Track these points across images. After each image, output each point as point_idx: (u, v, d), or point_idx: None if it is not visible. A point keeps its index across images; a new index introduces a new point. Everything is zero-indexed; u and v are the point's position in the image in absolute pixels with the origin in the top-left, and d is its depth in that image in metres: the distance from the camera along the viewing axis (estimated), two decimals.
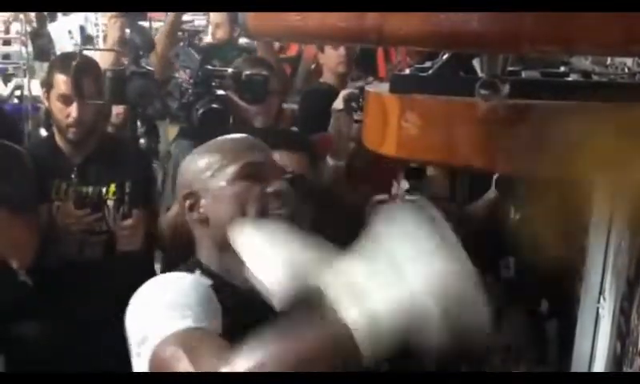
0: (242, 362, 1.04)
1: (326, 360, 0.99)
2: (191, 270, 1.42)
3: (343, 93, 2.50)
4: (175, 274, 1.40)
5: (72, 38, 8.03)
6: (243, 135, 1.57)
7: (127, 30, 2.77)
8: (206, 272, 1.42)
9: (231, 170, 1.41)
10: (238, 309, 1.35)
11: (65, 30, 8.32)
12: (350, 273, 0.97)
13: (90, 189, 2.45)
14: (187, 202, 1.45)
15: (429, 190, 2.27)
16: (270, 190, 1.40)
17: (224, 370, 1.05)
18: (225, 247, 1.40)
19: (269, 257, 1.20)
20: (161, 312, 1.27)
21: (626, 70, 1.19)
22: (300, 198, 1.67)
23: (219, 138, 1.55)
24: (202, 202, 1.43)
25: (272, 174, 1.44)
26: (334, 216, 1.90)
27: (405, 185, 2.29)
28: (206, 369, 1.11)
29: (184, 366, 1.16)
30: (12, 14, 7.38)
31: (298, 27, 0.75)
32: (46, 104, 2.54)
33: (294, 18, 0.74)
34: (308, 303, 0.99)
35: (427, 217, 0.95)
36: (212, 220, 1.42)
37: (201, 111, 2.08)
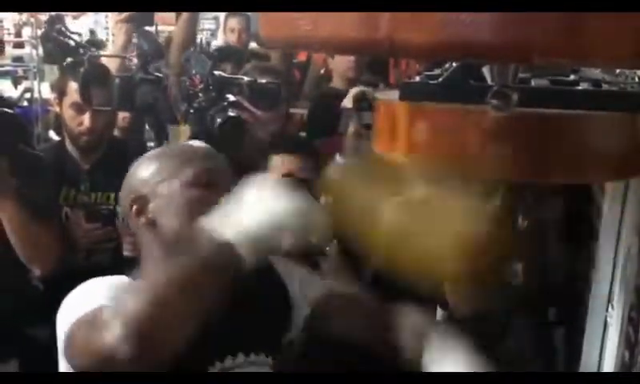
0: (142, 286, 1.17)
1: (212, 272, 1.16)
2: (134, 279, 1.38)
3: (352, 91, 2.51)
4: (108, 277, 1.38)
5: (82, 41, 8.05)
6: (198, 142, 1.56)
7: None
8: None
9: (186, 175, 1.39)
10: None
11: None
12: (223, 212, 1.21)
13: (99, 194, 2.46)
14: (134, 207, 1.41)
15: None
16: (223, 199, 1.39)
17: (128, 303, 1.12)
18: (172, 254, 1.34)
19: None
20: (80, 301, 1.26)
21: (637, 79, 1.19)
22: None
23: (172, 144, 1.55)
24: (151, 205, 1.40)
25: (226, 183, 1.39)
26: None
27: None
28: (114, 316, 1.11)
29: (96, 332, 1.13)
30: (23, 17, 7.42)
31: (309, 37, 0.75)
32: (58, 110, 2.55)
33: (305, 28, 0.74)
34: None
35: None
36: (160, 225, 1.39)
37: (219, 120, 2.08)
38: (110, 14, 9.46)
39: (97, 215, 2.40)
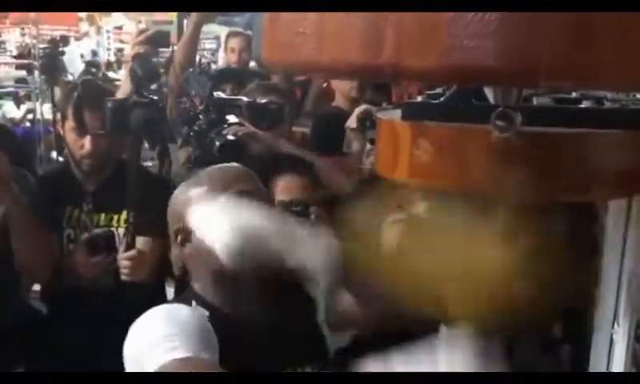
0: None
1: None
2: (187, 302, 1.42)
3: (357, 111, 2.51)
4: (171, 305, 1.39)
5: (84, 61, 8.12)
6: (232, 164, 1.57)
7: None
8: (202, 303, 1.41)
9: (223, 200, 1.38)
10: (235, 339, 1.33)
11: (77, 54, 8.42)
12: None
13: (103, 216, 2.45)
14: (179, 237, 1.44)
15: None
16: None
17: None
18: (220, 279, 1.41)
19: (218, 222, 1.28)
20: (153, 343, 1.24)
21: (639, 97, 1.18)
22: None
23: (208, 168, 1.55)
24: (194, 235, 1.41)
25: (262, 203, 1.41)
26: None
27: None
28: None
29: None
30: (26, 39, 7.48)
31: (313, 62, 0.75)
32: (62, 132, 2.55)
33: (308, 52, 0.74)
34: None
35: None
36: (206, 253, 1.37)
37: (219, 143, 2.07)
38: (112, 36, 9.57)
39: (99, 246, 2.36)
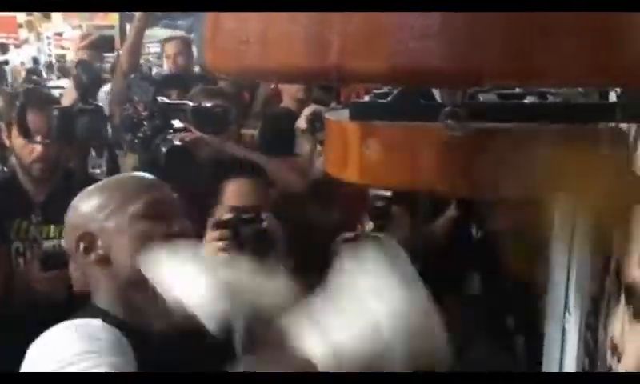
0: None
1: None
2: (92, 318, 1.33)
3: (306, 111, 2.50)
4: (81, 320, 1.31)
5: (25, 69, 7.94)
6: (141, 174, 1.53)
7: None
8: (109, 318, 1.33)
9: (133, 208, 1.35)
10: (147, 352, 1.28)
11: (17, 61, 8.25)
12: (312, 309, 0.95)
13: (52, 227, 2.40)
14: (82, 245, 1.36)
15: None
16: (175, 229, 1.35)
17: None
18: (127, 288, 1.33)
19: (191, 278, 1.16)
20: (63, 364, 1.17)
21: (580, 90, 1.21)
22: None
23: (115, 176, 1.50)
24: (99, 242, 1.35)
25: (175, 213, 1.39)
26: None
27: (370, 225, 2.28)
28: None
29: None
30: None
31: (258, 67, 0.75)
32: (8, 142, 2.50)
33: (253, 59, 0.74)
34: (270, 342, 0.98)
35: (390, 253, 0.99)
36: (114, 261, 1.34)
37: (165, 149, 2.03)
38: (52, 42, 9.38)
39: (51, 260, 2.31)
